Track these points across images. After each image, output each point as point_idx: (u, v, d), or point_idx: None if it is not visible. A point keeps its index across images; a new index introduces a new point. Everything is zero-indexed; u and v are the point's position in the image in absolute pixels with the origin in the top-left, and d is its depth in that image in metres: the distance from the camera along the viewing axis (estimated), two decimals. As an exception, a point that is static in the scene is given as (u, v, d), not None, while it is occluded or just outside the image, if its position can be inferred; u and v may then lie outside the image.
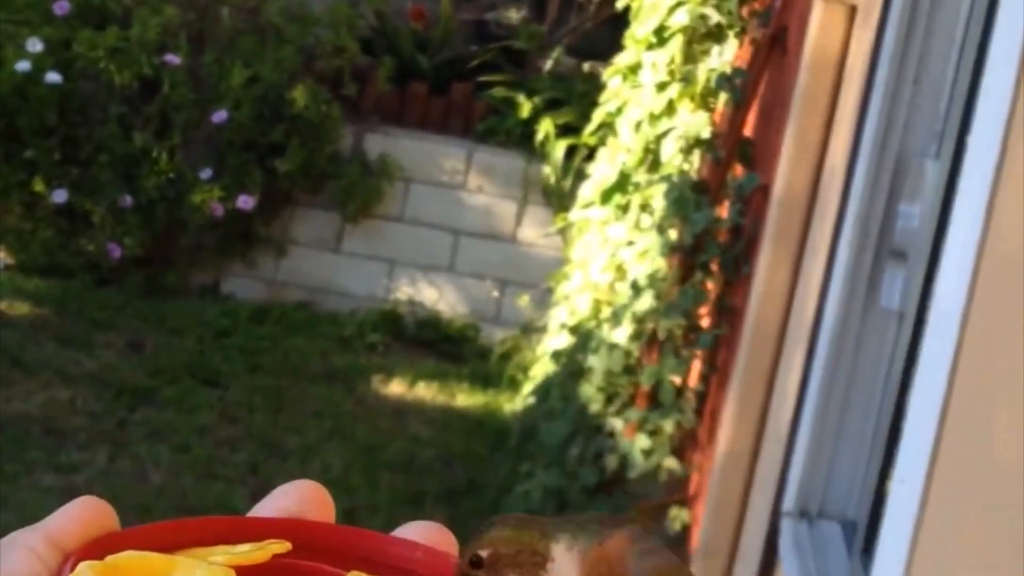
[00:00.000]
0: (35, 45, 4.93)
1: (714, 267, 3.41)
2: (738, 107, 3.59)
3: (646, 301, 3.50)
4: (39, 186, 5.05)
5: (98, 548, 0.43)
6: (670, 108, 4.00)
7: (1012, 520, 1.31)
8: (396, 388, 4.93)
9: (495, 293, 5.33)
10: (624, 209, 4.17)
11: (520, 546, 0.72)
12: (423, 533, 0.47)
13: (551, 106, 5.34)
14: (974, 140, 1.66)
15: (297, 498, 0.47)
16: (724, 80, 3.65)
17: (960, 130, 2.08)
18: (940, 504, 1.54)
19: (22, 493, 3.91)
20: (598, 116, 4.61)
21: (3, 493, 3.90)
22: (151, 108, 5.06)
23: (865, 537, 2.23)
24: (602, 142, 4.74)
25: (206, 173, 5.08)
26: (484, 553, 0.71)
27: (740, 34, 3.81)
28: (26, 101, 4.95)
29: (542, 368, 4.47)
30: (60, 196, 5.04)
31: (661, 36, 4.02)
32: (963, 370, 1.49)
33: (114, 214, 5.07)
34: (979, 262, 1.52)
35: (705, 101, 3.90)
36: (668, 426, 3.38)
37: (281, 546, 0.44)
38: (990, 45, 1.70)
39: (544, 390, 4.09)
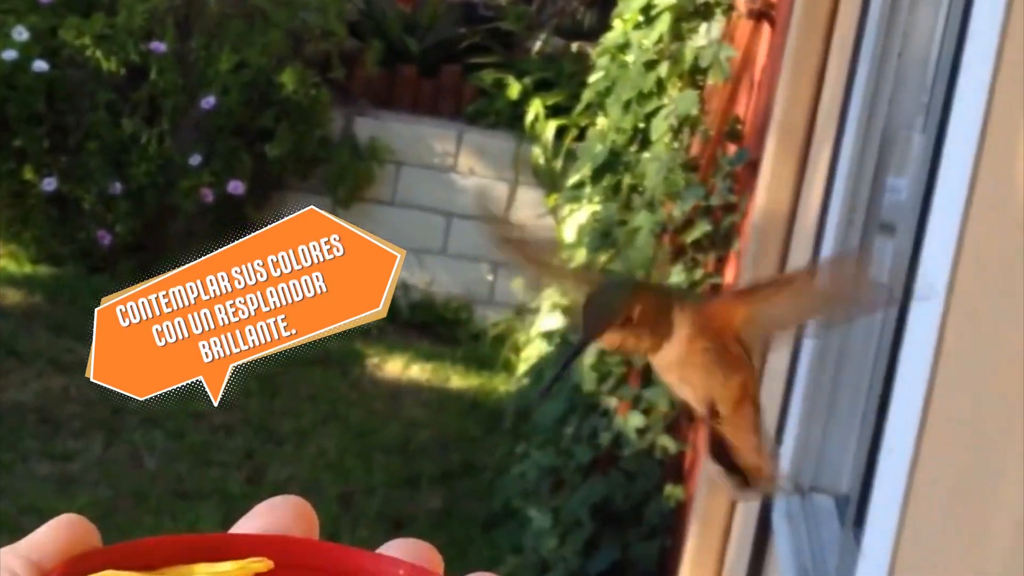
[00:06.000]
0: (21, 34, 4.92)
1: (705, 244, 3.41)
2: (727, 84, 3.60)
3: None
4: (29, 174, 5.05)
5: (78, 566, 0.43)
6: (659, 87, 4.01)
7: (1000, 487, 1.31)
8: (390, 371, 4.94)
9: (489, 276, 5.33)
10: (615, 188, 4.17)
11: (659, 307, 0.92)
12: (408, 550, 0.46)
13: (540, 87, 5.33)
14: (957, 112, 1.67)
15: (280, 514, 0.46)
16: (712, 57, 3.65)
17: (945, 102, 2.08)
18: (928, 473, 1.55)
19: (18, 482, 3.91)
20: (587, 96, 4.60)
21: (-1, 482, 3.92)
22: (139, 95, 5.05)
23: (857, 509, 2.24)
24: (592, 122, 4.74)
25: (195, 159, 5.08)
26: (635, 313, 0.90)
27: (728, 11, 3.81)
28: (14, 90, 4.94)
29: (536, 349, 4.47)
30: (50, 184, 5.03)
31: (648, 15, 4.02)
32: (949, 339, 1.50)
33: (104, 201, 5.07)
34: (963, 233, 1.52)
35: (694, 79, 3.90)
36: (662, 404, 3.40)
37: (263, 564, 0.44)
38: (971, 17, 1.70)
39: (538, 371, 4.10)
